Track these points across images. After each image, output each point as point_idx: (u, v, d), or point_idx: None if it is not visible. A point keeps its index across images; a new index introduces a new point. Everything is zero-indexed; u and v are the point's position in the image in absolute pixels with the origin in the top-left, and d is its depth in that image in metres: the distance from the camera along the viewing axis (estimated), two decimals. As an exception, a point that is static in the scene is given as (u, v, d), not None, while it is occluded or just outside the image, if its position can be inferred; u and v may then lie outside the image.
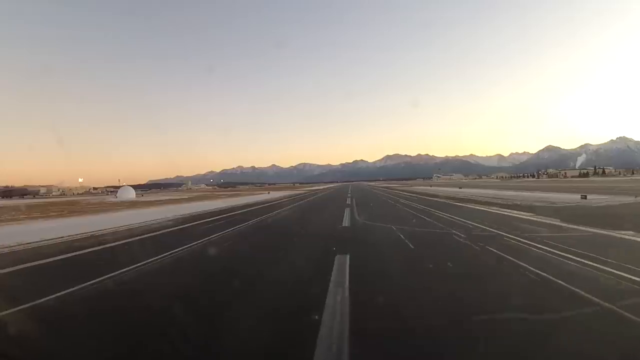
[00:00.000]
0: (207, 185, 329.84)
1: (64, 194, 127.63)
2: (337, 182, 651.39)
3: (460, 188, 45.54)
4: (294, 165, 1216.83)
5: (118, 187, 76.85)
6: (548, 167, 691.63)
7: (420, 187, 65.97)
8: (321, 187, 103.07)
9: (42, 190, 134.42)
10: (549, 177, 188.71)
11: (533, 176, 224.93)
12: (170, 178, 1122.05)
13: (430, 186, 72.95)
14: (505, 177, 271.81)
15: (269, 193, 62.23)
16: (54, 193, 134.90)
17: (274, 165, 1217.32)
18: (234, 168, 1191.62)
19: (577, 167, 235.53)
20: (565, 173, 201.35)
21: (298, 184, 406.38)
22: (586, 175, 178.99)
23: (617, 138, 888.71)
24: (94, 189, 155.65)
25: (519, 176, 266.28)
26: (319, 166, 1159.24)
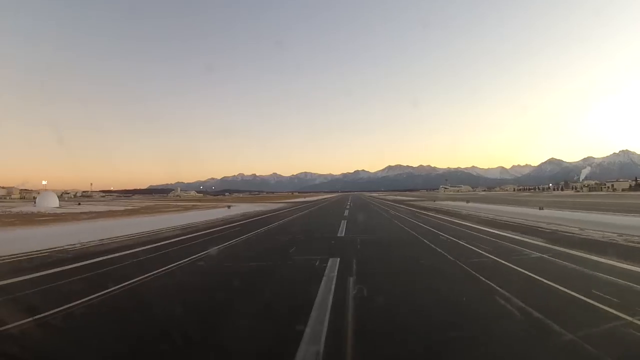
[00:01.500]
0: (197, 192, 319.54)
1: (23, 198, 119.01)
2: (338, 191, 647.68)
3: (498, 205, 35.67)
4: (295, 174, 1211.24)
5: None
6: (551, 180, 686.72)
7: (444, 203, 55.45)
8: (315, 199, 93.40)
9: (1, 192, 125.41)
10: (590, 190, 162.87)
11: (560, 189, 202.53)
12: (171, 184, 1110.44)
13: (454, 201, 57.69)
14: (519, 189, 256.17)
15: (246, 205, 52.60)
16: (13, 196, 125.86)
17: (274, 173, 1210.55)
18: (234, 175, 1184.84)
19: (581, 180, 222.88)
20: (612, 185, 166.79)
21: (297, 192, 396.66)
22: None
23: (620, 151, 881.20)
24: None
25: (531, 189, 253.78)
26: (320, 175, 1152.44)
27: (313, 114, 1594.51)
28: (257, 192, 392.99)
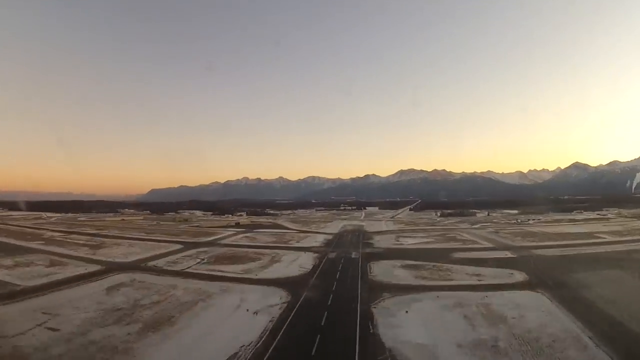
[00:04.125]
0: (136, 212, 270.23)
1: None
2: (348, 199, 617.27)
3: None
4: (302, 178, 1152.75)
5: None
6: (577, 187, 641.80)
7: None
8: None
9: None
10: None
11: None
12: (174, 187, 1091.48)
13: None
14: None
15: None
16: None
17: (281, 177, 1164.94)
18: (238, 179, 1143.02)
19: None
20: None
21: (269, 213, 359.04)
22: None
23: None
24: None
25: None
26: (328, 180, 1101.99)
27: (321, 115, 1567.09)
28: (248, 208, 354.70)
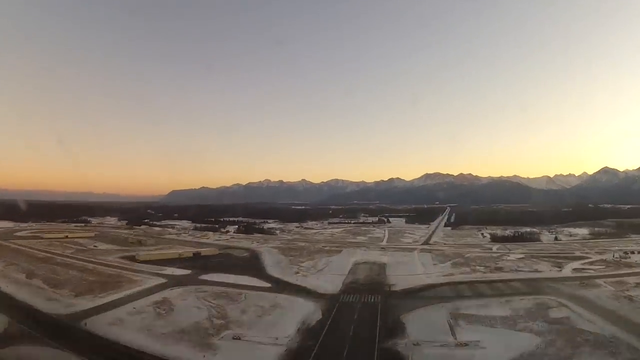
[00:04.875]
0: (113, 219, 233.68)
1: None
2: (371, 204, 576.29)
3: None
4: (325, 181, 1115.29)
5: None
6: (606, 193, 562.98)
7: None
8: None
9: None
10: None
11: None
12: (195, 189, 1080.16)
13: None
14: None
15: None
16: None
17: (303, 180, 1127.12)
18: (260, 182, 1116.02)
19: None
20: None
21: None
22: None
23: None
24: None
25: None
26: (352, 183, 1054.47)
27: (345, 117, 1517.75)
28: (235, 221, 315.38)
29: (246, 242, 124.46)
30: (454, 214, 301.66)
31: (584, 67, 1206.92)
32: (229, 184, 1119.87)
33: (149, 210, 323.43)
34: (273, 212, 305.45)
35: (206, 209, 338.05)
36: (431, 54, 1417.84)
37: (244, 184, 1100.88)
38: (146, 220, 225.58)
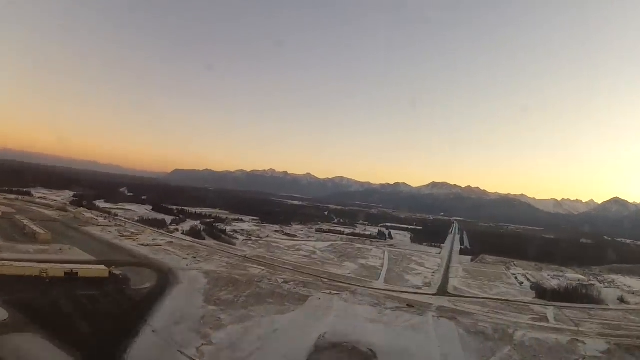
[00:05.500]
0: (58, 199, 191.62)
1: None
2: (374, 207, 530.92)
3: None
4: (330, 177, 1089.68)
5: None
6: (616, 224, 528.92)
7: None
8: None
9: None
10: None
11: None
12: (198, 170, 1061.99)
13: None
14: None
15: None
16: None
17: (308, 174, 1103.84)
18: (264, 170, 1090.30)
19: None
20: None
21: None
22: None
23: None
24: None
25: None
26: (356, 182, 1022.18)
27: (354, 115, 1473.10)
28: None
29: (180, 252, 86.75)
30: (465, 234, 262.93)
31: (606, 95, 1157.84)
32: (233, 169, 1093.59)
33: (121, 189, 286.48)
34: (257, 207, 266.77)
35: (184, 195, 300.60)
36: (445, 63, 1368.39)
37: (248, 170, 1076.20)
38: (100, 201, 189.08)
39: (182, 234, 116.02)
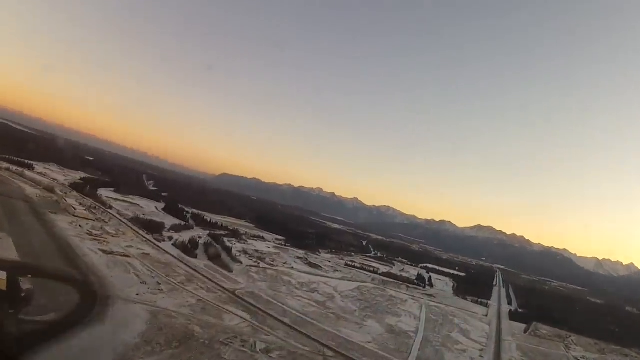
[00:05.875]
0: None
1: None
2: (416, 242, 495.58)
3: None
4: (377, 205, 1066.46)
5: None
6: None
7: None
8: None
9: None
10: None
11: None
12: (247, 178, 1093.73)
13: None
14: None
15: None
16: None
17: (355, 198, 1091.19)
18: (311, 188, 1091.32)
19: None
20: None
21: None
22: None
23: None
24: None
25: None
26: (402, 214, 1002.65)
27: (403, 145, 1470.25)
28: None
29: (146, 272, 66.27)
30: (510, 288, 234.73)
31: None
32: (280, 182, 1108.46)
33: (147, 182, 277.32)
34: (290, 224, 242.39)
35: (212, 199, 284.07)
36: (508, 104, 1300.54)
37: (296, 186, 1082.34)
38: (109, 189, 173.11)
39: (173, 245, 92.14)
